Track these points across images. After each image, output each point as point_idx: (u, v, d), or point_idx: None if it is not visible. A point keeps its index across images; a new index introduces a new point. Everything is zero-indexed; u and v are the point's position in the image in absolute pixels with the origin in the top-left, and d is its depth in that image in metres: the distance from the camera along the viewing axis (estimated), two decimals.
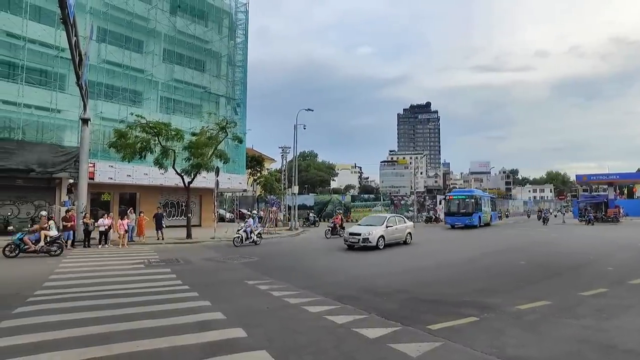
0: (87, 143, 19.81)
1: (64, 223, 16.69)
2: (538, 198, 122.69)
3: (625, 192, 71.86)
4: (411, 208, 46.53)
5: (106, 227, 17.62)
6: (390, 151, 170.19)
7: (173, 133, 20.56)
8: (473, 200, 32.10)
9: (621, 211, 44.09)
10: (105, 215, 18.56)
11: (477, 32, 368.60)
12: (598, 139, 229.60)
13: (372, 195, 58.84)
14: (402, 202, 48.40)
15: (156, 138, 20.23)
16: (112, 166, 24.51)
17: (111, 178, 24.66)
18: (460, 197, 33.48)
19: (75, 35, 15.84)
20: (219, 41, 33.83)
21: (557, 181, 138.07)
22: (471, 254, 15.48)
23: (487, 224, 35.20)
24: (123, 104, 26.80)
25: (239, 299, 8.05)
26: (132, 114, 21.39)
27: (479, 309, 7.03)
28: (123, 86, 27.36)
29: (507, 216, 58.89)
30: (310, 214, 38.98)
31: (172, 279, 10.17)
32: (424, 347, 5.15)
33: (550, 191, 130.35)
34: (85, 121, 19.49)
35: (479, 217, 32.31)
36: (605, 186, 54.93)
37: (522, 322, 6.30)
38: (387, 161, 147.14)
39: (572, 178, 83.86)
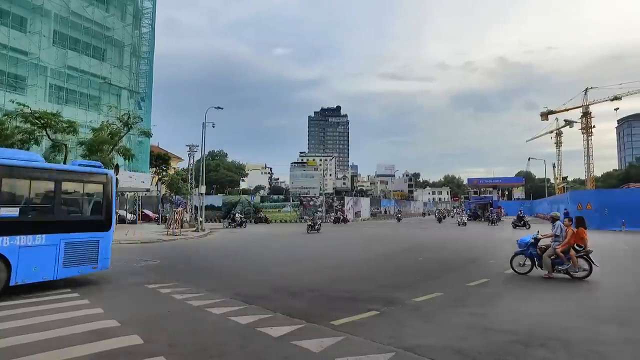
0: None
1: None
2: (436, 200, 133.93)
3: (507, 194, 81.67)
4: (320, 209, 47.63)
5: None
6: (301, 153, 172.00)
7: (65, 125, 18.55)
8: None
9: (502, 211, 50.15)
10: None
11: (387, 41, 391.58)
12: (487, 147, 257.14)
13: (281, 196, 59.04)
14: (311, 203, 49.23)
15: (43, 130, 18.06)
16: None
17: None
18: None
19: None
20: (121, 29, 31.32)
21: (453, 184, 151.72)
22: None
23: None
24: (0, 89, 23.48)
25: (136, 304, 7.52)
26: (12, 102, 18.78)
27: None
28: (0, 69, 23.99)
29: (321, 220, 40.20)
30: (237, 214, 35.49)
31: (60, 286, 9.13)
32: (326, 342, 5.28)
33: (447, 193, 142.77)
34: None
35: None
36: (491, 189, 62.33)
37: (420, 314, 6.79)
38: (298, 162, 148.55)
39: (466, 181, 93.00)
